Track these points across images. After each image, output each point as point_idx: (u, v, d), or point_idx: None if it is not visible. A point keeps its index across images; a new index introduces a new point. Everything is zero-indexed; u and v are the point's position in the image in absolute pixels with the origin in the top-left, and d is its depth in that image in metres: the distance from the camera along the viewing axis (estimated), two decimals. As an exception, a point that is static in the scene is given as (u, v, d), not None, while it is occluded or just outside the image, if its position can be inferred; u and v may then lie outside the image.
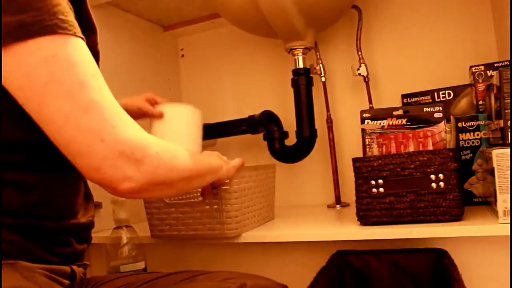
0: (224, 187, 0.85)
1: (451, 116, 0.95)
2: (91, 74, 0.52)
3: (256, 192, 0.97)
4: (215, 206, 0.87)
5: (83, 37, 0.53)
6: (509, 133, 0.78)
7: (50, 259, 0.58)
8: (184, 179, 0.62)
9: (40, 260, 0.57)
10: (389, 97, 1.23)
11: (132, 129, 0.54)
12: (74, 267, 0.63)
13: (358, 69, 1.20)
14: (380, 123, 0.89)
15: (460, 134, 0.95)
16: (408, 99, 1.11)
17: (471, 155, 0.94)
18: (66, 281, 0.60)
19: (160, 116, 0.89)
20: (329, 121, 1.25)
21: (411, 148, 0.86)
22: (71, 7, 0.55)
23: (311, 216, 1.10)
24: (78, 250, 0.64)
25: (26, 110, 0.50)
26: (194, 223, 0.89)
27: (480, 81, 0.99)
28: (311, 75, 1.21)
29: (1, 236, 0.53)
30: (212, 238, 0.89)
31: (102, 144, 0.51)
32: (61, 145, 0.51)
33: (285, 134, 1.24)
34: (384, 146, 0.88)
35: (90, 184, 0.66)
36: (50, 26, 0.49)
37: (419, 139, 0.86)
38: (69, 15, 0.52)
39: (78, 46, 0.52)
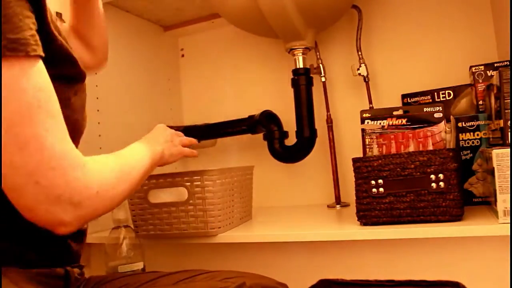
0: (207, 188, 0.88)
1: (451, 116, 0.95)
2: (37, 103, 0.46)
3: (237, 192, 1.01)
4: (199, 206, 0.89)
5: (40, 54, 0.47)
6: (509, 133, 0.78)
7: (43, 263, 0.57)
8: (124, 197, 0.58)
9: (32, 265, 0.56)
10: (389, 97, 1.23)
11: (74, 169, 0.48)
12: (68, 268, 0.62)
13: (358, 69, 1.20)
14: (380, 123, 0.89)
15: (460, 134, 0.95)
16: (408, 99, 1.11)
17: (471, 155, 0.94)
18: (60, 282, 0.60)
19: None
20: (329, 121, 1.25)
21: (411, 148, 0.86)
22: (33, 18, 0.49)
23: (311, 216, 1.10)
24: (73, 250, 0.64)
25: None
26: (178, 223, 0.91)
27: (480, 81, 0.99)
28: (311, 75, 1.21)
29: None
30: (196, 236, 0.91)
31: (36, 187, 0.45)
32: (12, 195, 0.46)
33: (285, 134, 1.24)
34: (384, 146, 0.88)
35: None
36: None
37: (419, 139, 0.86)
38: (23, 31, 0.45)
39: (26, 69, 0.45)
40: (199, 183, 0.88)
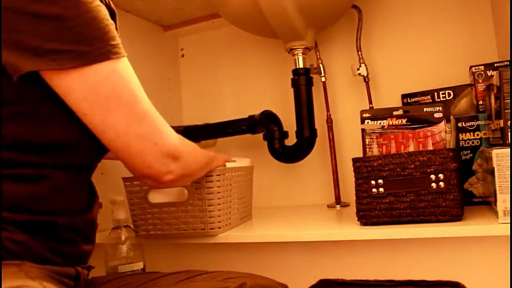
0: (207, 188, 0.89)
1: (451, 116, 0.95)
2: (139, 87, 0.61)
3: (237, 193, 1.01)
4: (199, 206, 0.90)
5: (125, 54, 0.60)
6: (509, 133, 0.78)
7: (56, 260, 0.59)
8: (199, 169, 0.79)
9: (46, 261, 0.57)
10: (389, 97, 1.23)
11: (173, 134, 0.65)
12: (79, 268, 0.63)
13: (358, 69, 1.20)
14: (380, 123, 0.89)
15: (460, 134, 0.95)
16: (408, 99, 1.11)
17: (471, 155, 0.94)
18: (71, 282, 0.61)
19: None
20: (329, 121, 1.25)
21: (411, 148, 0.86)
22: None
23: (311, 216, 1.10)
24: (84, 251, 0.64)
25: (85, 119, 0.57)
26: (177, 223, 0.91)
27: (480, 81, 0.99)
28: (311, 75, 1.21)
29: (10, 236, 0.54)
30: (196, 236, 0.92)
31: (154, 147, 0.62)
32: (119, 148, 0.60)
33: (285, 134, 1.24)
34: (384, 146, 0.88)
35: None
36: (104, 54, 0.56)
37: (419, 139, 0.86)
38: (116, 37, 0.58)
39: (126, 65, 0.60)
40: (199, 183, 0.88)
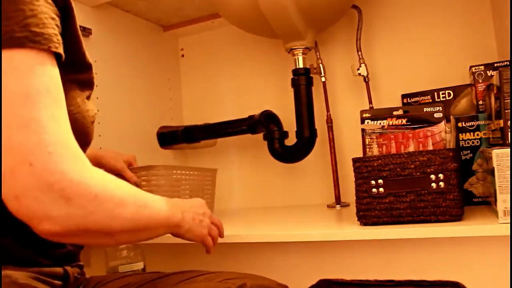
0: (152, 182, 0.92)
1: (451, 116, 0.95)
2: (45, 89, 0.46)
3: (189, 190, 1.05)
4: None
5: (60, 52, 0.49)
6: (509, 133, 0.78)
7: (41, 261, 0.57)
8: (129, 231, 0.52)
9: (31, 264, 0.55)
10: (389, 97, 1.23)
11: (73, 162, 0.45)
12: (68, 267, 0.62)
13: (358, 69, 1.20)
14: (380, 123, 0.89)
15: (460, 134, 0.95)
16: (408, 99, 1.11)
17: (471, 155, 0.94)
18: (58, 282, 0.59)
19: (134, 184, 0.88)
20: (329, 121, 1.25)
21: (411, 148, 0.86)
22: (58, 21, 0.51)
23: (311, 216, 1.10)
24: (72, 251, 0.63)
25: None
26: None
27: (480, 81, 0.99)
28: (311, 75, 1.21)
29: None
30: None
31: (29, 169, 0.43)
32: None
33: (285, 134, 1.24)
34: (384, 146, 0.88)
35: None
36: (18, 39, 0.45)
37: (419, 139, 0.86)
38: (46, 27, 0.47)
39: (45, 60, 0.47)
40: (146, 177, 0.91)
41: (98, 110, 0.66)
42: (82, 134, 0.58)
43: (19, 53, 0.45)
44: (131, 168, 0.97)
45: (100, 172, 0.50)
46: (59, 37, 0.50)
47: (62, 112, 0.48)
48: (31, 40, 0.45)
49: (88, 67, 0.60)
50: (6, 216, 0.51)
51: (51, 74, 0.47)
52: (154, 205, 0.58)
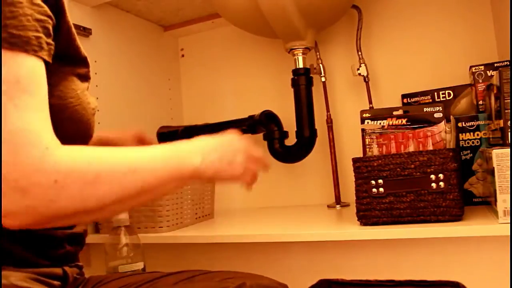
0: None
1: (451, 116, 0.95)
2: (14, 81, 0.44)
3: (190, 194, 1.08)
4: (148, 206, 0.98)
5: (41, 56, 0.47)
6: (509, 133, 0.78)
7: (40, 262, 0.57)
8: (114, 203, 0.48)
9: (29, 264, 0.55)
10: (389, 97, 1.23)
11: (30, 149, 0.42)
12: (66, 268, 0.62)
13: (358, 69, 1.20)
14: (380, 123, 0.89)
15: (460, 134, 0.95)
16: (408, 99, 1.11)
17: (471, 155, 0.94)
18: (57, 283, 0.59)
19: None
20: (329, 121, 1.25)
21: (411, 148, 0.86)
22: (51, 19, 0.51)
23: (311, 216, 1.10)
24: (70, 251, 0.63)
25: None
26: (132, 222, 0.96)
27: (480, 81, 0.99)
28: (311, 75, 1.21)
29: None
30: (147, 233, 0.99)
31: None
32: None
33: (285, 134, 1.24)
34: (384, 146, 0.88)
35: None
36: None
37: (419, 139, 0.86)
38: (26, 29, 0.46)
39: (21, 60, 0.45)
40: None
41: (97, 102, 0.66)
42: (84, 126, 0.57)
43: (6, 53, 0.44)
44: None
45: (68, 151, 0.46)
46: (42, 39, 0.48)
47: (32, 100, 0.44)
48: (8, 42, 0.44)
49: (84, 61, 0.61)
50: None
51: (28, 71, 0.45)
52: (148, 165, 0.51)
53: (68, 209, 0.44)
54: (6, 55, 0.44)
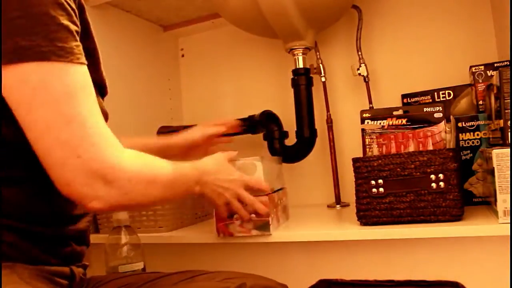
0: None
1: (451, 116, 0.95)
2: (81, 86, 0.53)
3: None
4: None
5: (83, 62, 0.54)
6: (509, 133, 0.78)
7: (49, 260, 0.58)
8: (160, 201, 0.67)
9: (39, 262, 0.56)
10: (389, 97, 1.23)
11: (111, 150, 0.54)
12: (74, 267, 0.63)
13: (358, 69, 1.20)
14: (380, 123, 0.89)
15: (460, 134, 0.95)
16: (408, 99, 1.11)
17: (471, 155, 0.94)
18: (65, 282, 0.60)
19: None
20: (329, 121, 1.25)
21: (411, 148, 0.86)
22: (77, 22, 0.55)
23: (311, 216, 1.10)
24: (77, 250, 0.64)
25: (16, 115, 0.51)
26: (133, 221, 0.98)
27: (480, 81, 0.99)
28: (311, 75, 1.21)
29: (2, 238, 0.53)
30: (148, 233, 1.00)
31: (77, 160, 0.51)
32: (39, 153, 0.51)
33: (285, 134, 1.24)
34: (384, 146, 0.88)
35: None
36: (45, 53, 0.50)
37: (419, 139, 0.86)
38: (69, 40, 0.52)
39: (72, 70, 0.52)
40: None
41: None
42: None
43: (47, 65, 0.50)
44: None
45: (133, 155, 0.58)
46: (81, 47, 0.54)
47: (96, 106, 0.54)
48: (56, 54, 0.50)
49: (101, 71, 0.67)
50: (11, 214, 0.53)
51: (81, 78, 0.53)
52: (180, 178, 0.68)
53: (134, 201, 0.58)
54: (57, 66, 0.51)
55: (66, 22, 0.52)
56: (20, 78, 0.49)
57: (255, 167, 0.85)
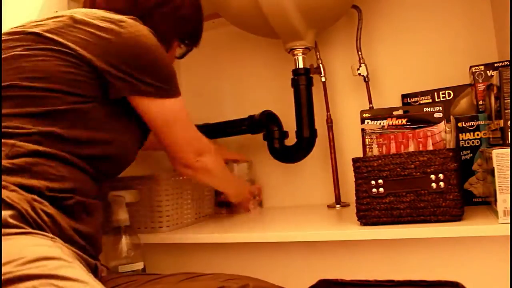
0: (156, 191, 1.02)
1: (451, 116, 0.95)
2: (186, 114, 0.84)
3: (191, 194, 1.11)
4: (149, 206, 1.02)
5: (181, 94, 0.81)
6: (509, 133, 0.78)
7: (79, 242, 0.63)
8: (220, 175, 1.01)
9: (71, 242, 0.60)
10: (389, 97, 1.23)
11: (201, 140, 0.92)
12: (98, 263, 0.66)
13: (358, 69, 1.20)
14: (380, 123, 0.89)
15: (460, 134, 0.95)
16: (408, 99, 1.11)
17: (471, 155, 0.94)
18: (91, 272, 0.63)
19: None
20: (329, 121, 1.25)
21: (411, 148, 0.86)
22: None
23: (311, 216, 1.10)
24: (96, 236, 0.68)
25: (156, 131, 0.81)
26: (132, 221, 0.99)
27: (480, 81, 0.99)
28: (311, 75, 1.21)
29: (43, 208, 0.59)
30: (147, 233, 1.02)
31: (190, 147, 0.88)
32: (173, 146, 0.85)
33: (285, 134, 1.24)
34: (384, 146, 0.88)
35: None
36: (173, 92, 0.78)
37: (419, 139, 0.86)
38: (176, 81, 0.80)
39: (181, 101, 0.81)
40: (151, 186, 1.01)
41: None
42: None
43: (171, 100, 0.79)
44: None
45: (211, 157, 0.94)
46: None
47: (192, 123, 0.88)
48: (177, 92, 0.80)
49: None
50: (51, 191, 0.61)
51: (184, 104, 0.83)
52: (237, 182, 1.19)
53: (212, 167, 0.95)
54: (177, 99, 0.81)
55: (173, 67, 0.80)
56: (164, 107, 0.78)
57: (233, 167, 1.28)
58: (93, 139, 0.70)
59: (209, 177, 0.96)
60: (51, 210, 0.59)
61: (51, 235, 0.57)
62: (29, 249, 0.51)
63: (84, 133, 0.68)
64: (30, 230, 0.55)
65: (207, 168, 0.92)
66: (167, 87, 0.76)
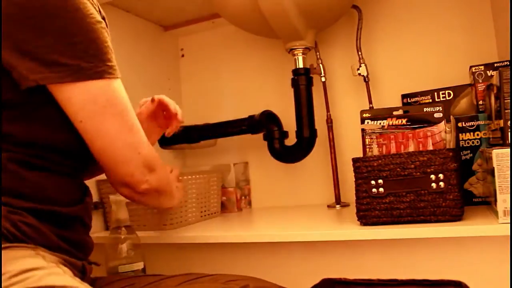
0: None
1: (451, 116, 0.95)
2: (129, 103, 0.65)
3: (195, 193, 1.12)
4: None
5: (120, 76, 0.64)
6: (509, 133, 0.78)
7: (64, 246, 0.61)
8: (168, 189, 0.78)
9: (56, 248, 0.59)
10: (389, 97, 1.23)
11: (150, 146, 0.69)
12: (85, 263, 0.65)
13: (358, 69, 1.20)
14: (380, 123, 0.89)
15: (460, 134, 0.95)
16: (408, 99, 1.11)
17: (471, 155, 0.94)
18: (79, 274, 0.62)
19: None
20: (329, 121, 1.25)
21: (411, 148, 0.86)
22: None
23: (311, 216, 1.10)
24: (85, 240, 0.67)
25: (79, 126, 0.60)
26: (140, 219, 1.02)
27: (480, 81, 0.99)
28: (311, 75, 1.21)
29: (23, 219, 0.56)
30: (155, 230, 1.03)
31: (138, 156, 0.65)
32: (107, 155, 0.63)
33: (285, 134, 1.24)
34: (384, 146, 0.88)
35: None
36: (99, 73, 0.60)
37: (419, 139, 0.86)
38: (113, 60, 0.63)
39: (118, 85, 0.64)
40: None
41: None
42: None
43: (101, 82, 0.60)
44: None
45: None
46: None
47: (134, 115, 0.67)
48: (108, 72, 0.61)
49: None
50: (31, 197, 0.58)
51: (124, 90, 0.65)
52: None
53: (163, 184, 0.73)
54: (107, 82, 0.61)
55: (109, 42, 0.63)
56: (88, 94, 0.60)
57: None
58: (37, 137, 0.61)
59: (159, 199, 0.76)
60: (31, 220, 0.57)
61: (32, 245, 0.55)
62: (11, 263, 0.50)
63: (30, 133, 0.60)
64: (8, 244, 0.53)
65: (159, 190, 0.72)
66: (90, 64, 0.59)
